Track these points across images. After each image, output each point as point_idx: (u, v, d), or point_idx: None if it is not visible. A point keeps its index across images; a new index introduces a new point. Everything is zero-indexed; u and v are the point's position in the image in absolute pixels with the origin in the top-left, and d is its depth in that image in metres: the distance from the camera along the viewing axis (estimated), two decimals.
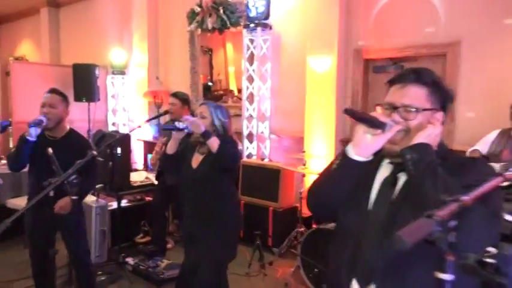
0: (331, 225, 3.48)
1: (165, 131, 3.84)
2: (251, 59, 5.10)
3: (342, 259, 1.30)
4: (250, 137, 5.19)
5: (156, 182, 4.11)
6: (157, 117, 4.11)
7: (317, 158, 4.44)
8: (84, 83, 6.61)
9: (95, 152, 1.94)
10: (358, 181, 1.29)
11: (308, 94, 4.73)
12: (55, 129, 2.68)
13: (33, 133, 2.45)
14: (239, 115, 5.55)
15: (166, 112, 3.78)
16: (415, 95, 1.24)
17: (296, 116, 4.97)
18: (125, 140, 3.81)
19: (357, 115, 1.18)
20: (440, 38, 4.04)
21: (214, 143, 2.32)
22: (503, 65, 3.67)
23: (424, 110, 1.23)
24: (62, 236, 2.88)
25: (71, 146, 2.67)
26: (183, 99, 3.86)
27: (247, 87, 5.15)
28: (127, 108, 7.16)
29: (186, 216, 2.57)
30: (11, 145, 6.63)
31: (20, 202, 4.42)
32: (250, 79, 5.13)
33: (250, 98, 5.16)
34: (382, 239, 1.20)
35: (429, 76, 1.27)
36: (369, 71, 4.66)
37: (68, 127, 2.81)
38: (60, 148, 2.49)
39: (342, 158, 1.26)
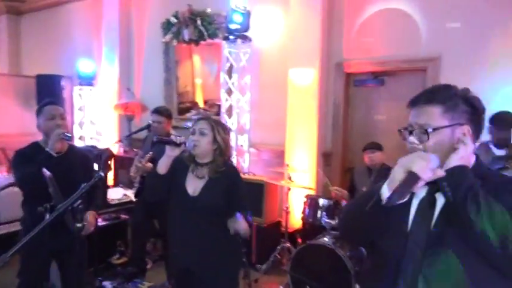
0: (321, 241, 3.42)
1: (154, 145, 3.62)
2: (230, 71, 5.02)
3: (383, 282, 1.26)
4: None
5: (134, 200, 3.90)
6: (140, 130, 3.91)
7: (299, 172, 4.38)
8: (49, 94, 6.25)
9: (102, 174, 1.75)
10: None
11: (289, 107, 4.69)
12: (62, 143, 2.45)
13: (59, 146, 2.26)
14: None
15: (148, 126, 3.61)
16: (429, 115, 1.23)
17: (276, 129, 4.91)
18: (108, 154, 3.58)
19: (401, 194, 1.12)
20: (420, 54, 4.13)
21: (242, 221, 2.11)
22: (482, 79, 3.78)
23: (440, 128, 1.21)
24: (62, 265, 2.60)
25: (78, 160, 2.49)
26: (168, 115, 3.68)
27: (226, 100, 5.05)
28: (95, 121, 6.84)
29: (179, 248, 2.22)
30: None
31: None
32: (229, 92, 5.04)
33: (229, 110, 5.06)
34: (426, 262, 1.17)
35: (444, 93, 1.25)
36: (350, 84, 4.69)
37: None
38: (68, 164, 2.29)
39: (377, 200, 1.19)
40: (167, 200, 3.46)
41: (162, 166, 2.16)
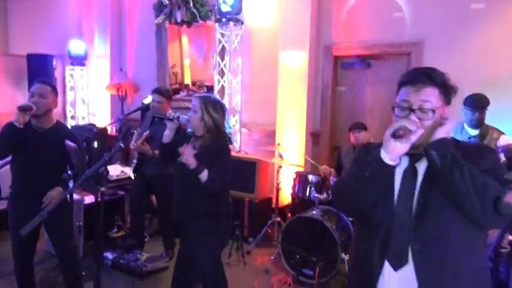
0: (310, 214, 3.66)
1: (152, 124, 3.79)
2: (222, 53, 5.15)
3: (373, 247, 1.40)
4: None
5: (132, 176, 4.07)
6: (137, 110, 4.06)
7: (289, 150, 4.59)
8: (40, 74, 6.29)
9: (122, 145, 1.93)
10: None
11: (280, 88, 4.87)
12: (43, 119, 2.58)
13: (21, 120, 2.34)
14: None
15: (147, 106, 3.76)
16: (430, 96, 1.34)
17: (267, 109, 5.10)
18: (101, 134, 3.73)
19: (399, 135, 1.27)
20: (405, 38, 4.34)
21: (203, 176, 2.29)
22: (463, 64, 4.02)
23: (439, 107, 1.35)
24: (49, 233, 2.80)
25: (58, 137, 2.59)
26: (167, 95, 3.82)
27: (219, 81, 5.20)
28: (86, 101, 6.92)
29: (175, 206, 2.55)
30: None
31: None
32: (221, 73, 5.18)
33: (221, 91, 5.22)
34: (415, 225, 1.33)
35: (440, 77, 1.36)
36: (337, 67, 4.88)
37: (55, 119, 2.72)
38: (47, 139, 2.44)
39: (377, 164, 1.31)
40: (167, 175, 3.70)
41: (165, 137, 2.54)
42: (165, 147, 2.57)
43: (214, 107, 2.47)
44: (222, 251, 2.71)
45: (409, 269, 1.34)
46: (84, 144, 3.62)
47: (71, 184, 1.99)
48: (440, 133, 1.31)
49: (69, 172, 2.00)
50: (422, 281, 1.31)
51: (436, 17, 4.17)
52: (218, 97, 5.10)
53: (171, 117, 2.49)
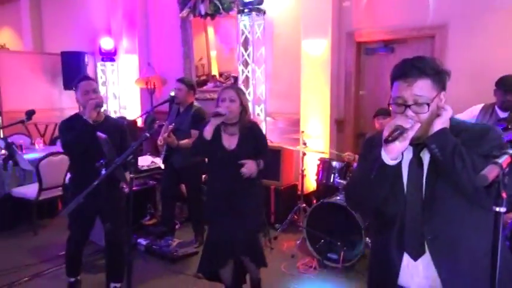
0: (334, 199, 3.73)
1: (177, 116, 3.98)
2: (245, 43, 5.23)
3: (390, 240, 1.44)
4: None
5: (162, 166, 4.25)
6: (164, 102, 4.22)
7: (314, 138, 4.65)
8: (73, 71, 6.59)
9: (147, 134, 2.08)
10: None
11: (303, 77, 4.92)
12: (98, 114, 2.80)
13: (94, 115, 2.64)
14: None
15: (173, 98, 3.91)
16: (423, 89, 1.32)
17: (291, 98, 5.16)
18: (132, 126, 3.91)
19: (393, 139, 1.27)
20: (428, 21, 4.28)
21: (261, 166, 2.70)
22: (488, 45, 3.94)
23: (434, 98, 1.33)
24: (103, 217, 2.99)
25: (112, 128, 2.84)
26: (189, 84, 3.97)
27: (243, 72, 5.30)
28: (117, 95, 7.18)
29: (218, 193, 2.68)
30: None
31: (24, 190, 4.50)
32: (245, 63, 5.27)
33: (246, 81, 5.31)
34: (426, 215, 1.36)
35: (429, 66, 1.34)
36: (360, 53, 4.87)
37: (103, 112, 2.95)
38: (104, 131, 2.62)
39: (380, 166, 1.33)
40: (195, 165, 3.86)
41: (208, 133, 2.58)
42: (207, 143, 2.59)
43: (244, 94, 2.79)
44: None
45: (428, 257, 1.38)
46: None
47: (103, 172, 2.14)
48: (438, 124, 1.32)
49: (102, 161, 2.15)
50: (440, 268, 1.36)
51: None
52: (243, 88, 5.28)
53: (223, 113, 2.55)
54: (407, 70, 1.34)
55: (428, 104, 1.31)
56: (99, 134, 2.38)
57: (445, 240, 1.35)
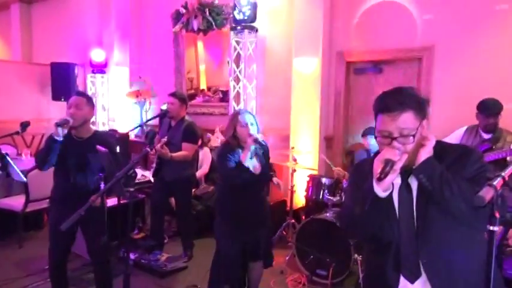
0: (324, 215, 3.77)
1: (169, 130, 4.00)
2: (237, 59, 5.31)
3: (386, 262, 1.47)
4: None
5: (152, 180, 4.25)
6: (157, 117, 4.24)
7: (303, 154, 4.72)
8: (63, 82, 6.57)
9: (148, 149, 2.10)
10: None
11: (294, 94, 5.01)
12: (81, 130, 2.78)
13: (60, 133, 2.55)
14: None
15: (166, 112, 3.94)
16: (407, 121, 1.37)
17: (281, 114, 5.24)
18: (123, 139, 3.92)
19: (385, 175, 1.32)
20: (416, 43, 4.43)
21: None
22: (474, 68, 4.10)
23: (417, 129, 1.38)
24: (84, 229, 2.97)
25: (96, 143, 2.77)
26: (181, 98, 4.01)
27: (234, 87, 5.36)
28: (107, 107, 7.16)
29: (241, 210, 2.80)
30: None
31: (10, 202, 4.44)
32: (237, 79, 5.34)
33: (237, 97, 5.37)
34: (419, 240, 1.41)
35: (411, 98, 1.40)
36: (350, 72, 5.00)
37: (93, 129, 2.93)
38: (86, 148, 2.62)
39: (373, 199, 1.38)
40: (186, 179, 3.92)
41: (247, 159, 2.71)
42: (243, 170, 2.69)
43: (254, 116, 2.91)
44: None
45: (424, 279, 1.41)
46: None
47: (102, 185, 2.15)
48: (423, 155, 1.36)
49: (100, 174, 2.16)
50: None
51: (447, 22, 4.26)
52: (234, 103, 5.35)
53: (260, 140, 2.74)
54: (390, 105, 1.39)
55: (413, 135, 1.37)
56: (99, 147, 2.39)
57: (440, 263, 1.39)
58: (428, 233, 1.40)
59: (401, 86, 1.48)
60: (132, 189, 2.08)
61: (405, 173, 1.43)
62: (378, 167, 1.34)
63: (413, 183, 1.44)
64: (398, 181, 1.45)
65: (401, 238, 1.43)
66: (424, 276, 1.41)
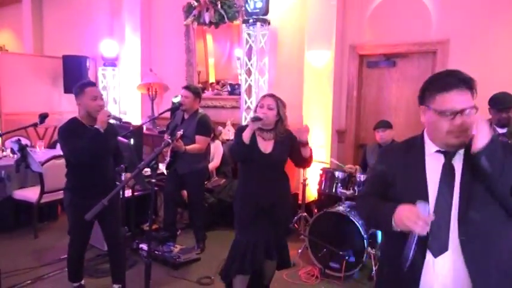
0: (336, 209, 3.77)
1: (182, 122, 4.00)
2: (249, 52, 5.30)
3: (410, 239, 1.43)
4: None
5: (165, 172, 4.27)
6: (170, 109, 4.25)
7: (315, 148, 4.70)
8: (75, 75, 6.61)
9: (170, 140, 2.12)
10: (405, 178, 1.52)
11: (306, 87, 4.99)
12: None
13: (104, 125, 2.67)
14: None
15: (180, 105, 3.95)
16: (470, 98, 1.43)
17: (293, 108, 5.17)
18: (137, 132, 3.94)
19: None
20: (430, 37, 4.39)
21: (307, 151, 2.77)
22: (489, 62, 4.05)
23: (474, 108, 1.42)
24: (102, 220, 3.02)
25: (113, 135, 2.88)
26: (195, 92, 4.01)
27: (246, 80, 5.35)
28: (118, 100, 7.19)
29: (255, 195, 2.74)
30: None
31: (25, 193, 4.49)
32: (249, 72, 5.33)
33: (248, 90, 5.37)
34: (461, 217, 1.41)
35: (472, 80, 1.45)
36: (363, 66, 4.97)
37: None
38: (108, 137, 2.68)
39: (387, 225, 1.44)
40: (198, 171, 3.91)
41: (246, 137, 2.66)
42: (246, 147, 2.66)
43: (283, 105, 2.83)
44: None
45: (453, 257, 1.42)
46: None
47: (123, 176, 2.17)
48: (485, 136, 1.33)
49: (122, 166, 2.18)
50: (471, 269, 1.40)
51: (462, 15, 4.21)
52: (245, 96, 5.35)
53: (261, 117, 2.64)
54: (454, 83, 1.43)
55: (476, 109, 1.40)
56: (121, 139, 2.42)
57: (477, 243, 1.40)
58: (470, 211, 1.40)
59: (452, 69, 1.50)
60: (153, 180, 2.08)
61: (447, 153, 1.47)
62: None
63: (456, 164, 1.46)
64: (435, 162, 1.48)
65: (435, 213, 1.42)
66: (453, 252, 1.42)
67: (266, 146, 2.74)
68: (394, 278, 1.56)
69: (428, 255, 1.46)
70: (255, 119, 2.62)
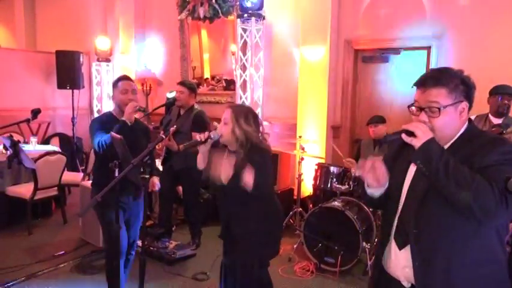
0: (332, 204, 3.78)
1: (178, 118, 3.98)
2: (244, 48, 5.28)
3: (390, 228, 1.55)
4: None
5: (161, 168, 4.25)
6: (165, 105, 4.22)
7: (310, 143, 4.71)
8: (68, 70, 6.55)
9: (163, 136, 2.10)
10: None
11: (301, 82, 4.98)
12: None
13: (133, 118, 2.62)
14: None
15: (174, 100, 3.92)
16: (436, 96, 1.40)
17: (288, 103, 5.22)
18: None
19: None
20: (425, 32, 4.39)
21: (248, 179, 2.00)
22: (483, 57, 4.06)
23: (448, 106, 1.39)
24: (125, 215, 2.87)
25: (140, 131, 2.84)
26: (190, 87, 3.99)
27: (241, 76, 5.33)
28: (112, 95, 7.13)
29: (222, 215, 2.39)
30: None
31: (19, 190, 4.46)
32: (243, 67, 5.31)
33: (243, 86, 5.35)
34: (417, 211, 1.43)
35: (447, 76, 1.42)
36: (358, 61, 4.96)
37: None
38: (135, 132, 2.63)
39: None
40: (195, 167, 3.85)
41: (200, 162, 2.22)
42: (202, 172, 2.23)
43: (246, 118, 2.18)
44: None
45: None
46: None
47: (116, 172, 2.14)
48: (417, 140, 1.38)
49: (115, 162, 2.15)
50: (416, 262, 1.43)
51: (457, 10, 4.21)
52: (240, 91, 5.32)
53: (202, 140, 2.12)
54: (425, 78, 1.46)
55: (439, 108, 1.40)
56: (113, 134, 2.38)
57: (427, 239, 1.42)
58: (426, 207, 1.42)
59: (449, 67, 1.50)
60: (147, 176, 2.06)
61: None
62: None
63: None
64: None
65: (405, 202, 1.49)
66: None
67: (226, 171, 2.12)
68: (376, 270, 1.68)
69: (393, 247, 1.54)
70: (198, 143, 2.13)
